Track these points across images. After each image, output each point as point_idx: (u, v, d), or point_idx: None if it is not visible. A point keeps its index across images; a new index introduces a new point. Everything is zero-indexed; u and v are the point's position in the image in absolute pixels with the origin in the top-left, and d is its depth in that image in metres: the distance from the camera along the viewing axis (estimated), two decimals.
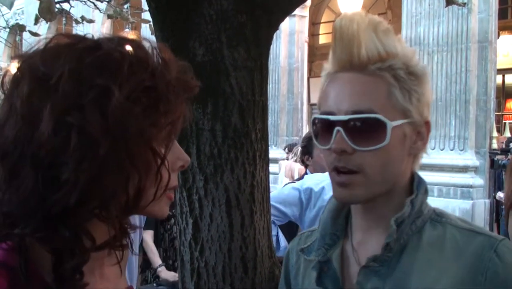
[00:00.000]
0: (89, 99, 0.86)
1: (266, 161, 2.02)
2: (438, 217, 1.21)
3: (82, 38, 0.95)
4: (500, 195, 7.31)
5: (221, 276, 1.91)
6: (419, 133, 1.20)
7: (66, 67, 0.88)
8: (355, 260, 1.23)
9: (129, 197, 0.91)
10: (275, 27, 2.01)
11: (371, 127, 1.13)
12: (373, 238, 1.22)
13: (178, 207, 1.98)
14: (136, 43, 0.96)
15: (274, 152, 12.63)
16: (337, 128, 1.14)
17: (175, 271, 4.68)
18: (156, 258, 4.73)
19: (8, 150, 0.89)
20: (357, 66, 1.16)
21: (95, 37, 0.98)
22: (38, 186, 0.86)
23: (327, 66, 1.23)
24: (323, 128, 1.19)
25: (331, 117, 1.16)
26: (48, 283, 0.88)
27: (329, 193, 2.94)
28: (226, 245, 1.91)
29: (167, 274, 4.59)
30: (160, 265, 4.69)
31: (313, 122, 1.23)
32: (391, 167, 1.16)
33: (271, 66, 13.63)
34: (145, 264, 4.94)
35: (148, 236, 4.77)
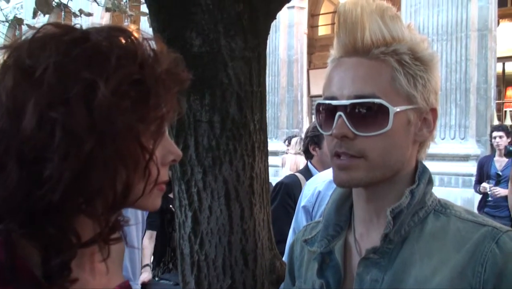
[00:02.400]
0: (74, 94, 0.84)
1: (265, 152, 1.99)
2: (443, 208, 1.19)
3: (71, 29, 0.93)
4: (485, 185, 7.14)
5: (221, 269, 1.89)
6: (425, 120, 1.18)
7: (52, 59, 0.86)
8: (357, 252, 1.22)
9: (117, 193, 0.89)
10: (273, 16, 1.99)
11: (373, 112, 1.12)
12: (374, 229, 1.20)
13: (176, 200, 1.96)
14: (126, 35, 0.93)
15: (275, 145, 12.63)
16: (339, 113, 1.13)
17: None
18: (145, 258, 4.66)
19: None
20: (361, 50, 1.15)
21: (85, 28, 0.95)
22: (23, 181, 0.84)
23: (333, 51, 1.21)
24: (326, 114, 1.18)
25: (334, 102, 1.15)
26: (38, 278, 0.86)
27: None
28: (226, 238, 1.89)
29: (143, 275, 4.47)
30: (145, 265, 4.63)
31: (317, 109, 1.22)
32: (393, 153, 1.15)
33: (270, 59, 13.61)
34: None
35: (148, 236, 4.72)
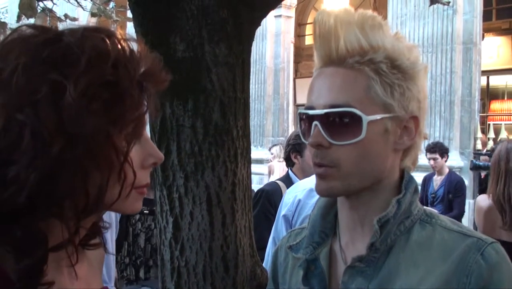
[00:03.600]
0: (42, 95, 0.83)
1: (248, 158, 1.99)
2: (428, 217, 1.19)
3: (45, 30, 0.91)
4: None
5: (201, 276, 1.88)
6: (406, 128, 1.17)
7: (20, 61, 0.85)
8: (342, 260, 1.22)
9: (90, 196, 0.88)
10: (258, 23, 1.99)
11: (347, 121, 1.12)
12: (359, 237, 1.20)
13: (158, 205, 1.95)
14: (101, 35, 0.91)
15: (260, 152, 12.62)
16: (315, 122, 1.14)
17: (138, 267, 4.65)
18: None
19: None
20: (336, 60, 1.15)
21: (60, 29, 0.94)
22: None
23: (315, 61, 1.22)
24: (305, 123, 1.19)
25: (310, 112, 1.16)
26: (12, 281, 0.85)
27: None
28: (207, 244, 1.88)
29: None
30: None
31: (299, 118, 1.23)
32: (368, 161, 1.14)
33: (256, 67, 13.63)
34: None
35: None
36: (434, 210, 1.24)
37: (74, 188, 0.86)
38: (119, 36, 0.94)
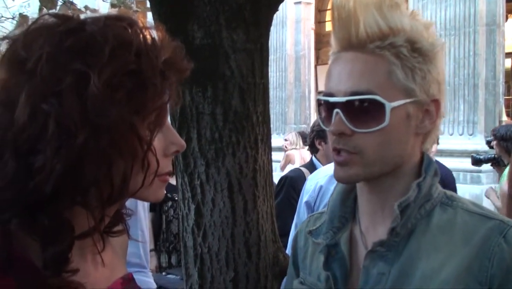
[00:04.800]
0: (66, 85, 0.83)
1: (268, 144, 1.99)
2: (449, 200, 1.17)
3: (67, 19, 0.91)
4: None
5: (224, 262, 1.89)
6: (427, 112, 1.16)
7: (45, 50, 0.85)
8: (363, 244, 1.21)
9: (114, 184, 0.89)
10: (275, 8, 1.98)
11: (370, 109, 1.10)
12: (380, 222, 1.19)
13: (180, 193, 1.96)
14: (123, 24, 0.92)
15: (282, 140, 12.60)
16: (336, 110, 1.12)
17: (170, 254, 4.71)
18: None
19: None
20: (356, 45, 1.13)
21: (82, 18, 0.94)
22: (18, 172, 0.84)
23: (332, 46, 1.20)
24: (325, 110, 1.17)
25: (331, 99, 1.14)
26: (38, 268, 0.86)
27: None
28: (229, 230, 1.89)
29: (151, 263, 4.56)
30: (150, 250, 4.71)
31: (317, 104, 1.21)
32: (391, 148, 1.13)
33: (277, 54, 13.59)
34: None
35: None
36: (456, 194, 1.21)
37: (99, 177, 0.86)
38: (141, 25, 0.94)
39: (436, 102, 1.16)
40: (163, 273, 4.79)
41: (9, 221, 0.85)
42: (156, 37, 0.94)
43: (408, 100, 1.12)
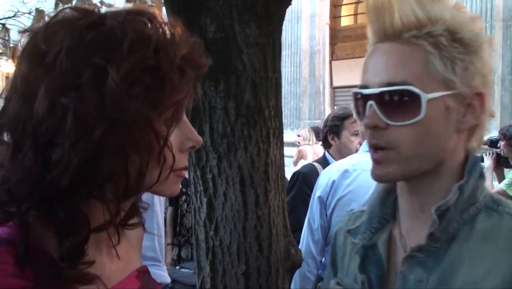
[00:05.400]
0: (85, 79, 0.84)
1: (280, 139, 1.99)
2: (495, 204, 1.10)
3: (88, 13, 0.92)
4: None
5: (236, 255, 1.90)
6: (470, 106, 1.09)
7: (64, 44, 0.86)
8: (402, 247, 1.16)
9: (130, 178, 0.90)
10: (287, 2, 1.98)
11: (404, 100, 1.06)
12: (420, 224, 1.13)
13: (192, 186, 1.97)
14: (143, 18, 0.92)
15: (296, 136, 12.59)
16: (369, 102, 1.08)
17: (181, 248, 4.75)
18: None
19: (11, 126, 0.89)
20: (392, 35, 1.09)
21: (103, 12, 0.95)
22: (36, 164, 0.85)
23: (369, 37, 1.17)
24: (360, 102, 1.14)
25: (364, 91, 1.11)
26: (55, 259, 0.88)
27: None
28: (241, 224, 1.90)
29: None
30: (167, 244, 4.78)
31: (353, 98, 1.17)
32: (428, 143, 1.07)
33: (292, 49, 13.56)
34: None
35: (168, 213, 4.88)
36: (503, 198, 1.16)
37: (115, 171, 0.88)
38: (161, 20, 0.94)
39: (481, 96, 1.10)
40: (177, 267, 4.83)
41: (27, 213, 0.87)
42: (176, 33, 0.95)
43: (447, 92, 1.06)
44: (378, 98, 1.07)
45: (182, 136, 0.99)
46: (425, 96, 1.04)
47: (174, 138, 0.96)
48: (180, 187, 1.06)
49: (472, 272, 1.03)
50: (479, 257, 1.04)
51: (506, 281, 1.00)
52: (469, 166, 1.12)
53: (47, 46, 0.87)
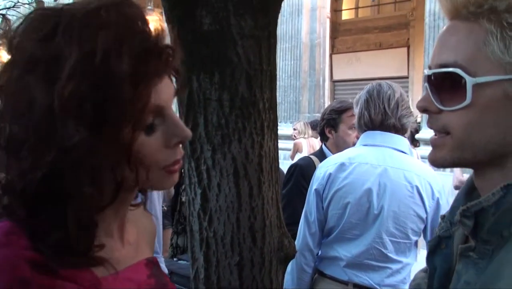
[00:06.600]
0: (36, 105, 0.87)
1: (274, 131, 2.00)
2: None
3: (46, 21, 0.92)
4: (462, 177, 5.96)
5: (229, 246, 1.91)
6: None
7: (15, 72, 0.90)
8: None
9: (104, 189, 0.92)
10: None
11: (452, 84, 0.99)
12: None
13: (186, 178, 1.98)
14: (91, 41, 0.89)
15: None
16: (425, 84, 1.04)
17: (179, 235, 4.78)
18: None
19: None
20: (454, 12, 1.02)
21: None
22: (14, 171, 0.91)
23: None
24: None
25: (426, 72, 1.05)
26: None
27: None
28: (235, 215, 1.91)
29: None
30: None
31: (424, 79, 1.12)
32: (485, 131, 0.98)
33: (292, 42, 13.55)
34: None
35: None
36: None
37: (83, 184, 0.89)
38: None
39: None
40: (174, 259, 4.85)
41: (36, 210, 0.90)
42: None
43: (505, 76, 0.95)
44: (431, 80, 1.03)
45: (168, 134, 0.99)
46: (471, 80, 0.96)
47: (160, 135, 0.97)
48: (176, 180, 1.05)
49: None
50: None
51: None
52: None
53: (4, 67, 0.91)
